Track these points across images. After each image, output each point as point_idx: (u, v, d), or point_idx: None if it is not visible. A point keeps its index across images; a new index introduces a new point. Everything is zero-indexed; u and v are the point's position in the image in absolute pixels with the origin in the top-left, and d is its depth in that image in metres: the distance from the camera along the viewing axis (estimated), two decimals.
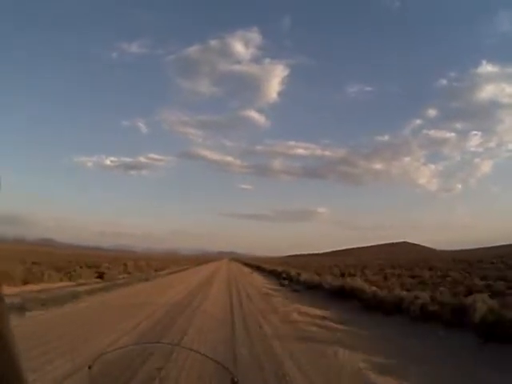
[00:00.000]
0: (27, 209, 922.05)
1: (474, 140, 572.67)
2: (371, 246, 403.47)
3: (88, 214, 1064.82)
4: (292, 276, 27.84)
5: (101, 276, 24.62)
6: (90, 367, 1.41)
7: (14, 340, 0.87)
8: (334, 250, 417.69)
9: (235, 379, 1.25)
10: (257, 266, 62.77)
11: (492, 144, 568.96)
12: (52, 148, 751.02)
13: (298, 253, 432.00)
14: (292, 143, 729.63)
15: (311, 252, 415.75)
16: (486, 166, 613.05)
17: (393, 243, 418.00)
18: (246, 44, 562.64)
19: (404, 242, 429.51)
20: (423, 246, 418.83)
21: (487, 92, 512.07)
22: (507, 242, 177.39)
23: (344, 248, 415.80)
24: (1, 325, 0.86)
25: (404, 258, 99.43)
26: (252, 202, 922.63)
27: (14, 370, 0.87)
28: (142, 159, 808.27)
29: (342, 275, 28.91)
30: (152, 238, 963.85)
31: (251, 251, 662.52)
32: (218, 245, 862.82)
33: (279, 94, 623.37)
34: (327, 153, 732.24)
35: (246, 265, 78.45)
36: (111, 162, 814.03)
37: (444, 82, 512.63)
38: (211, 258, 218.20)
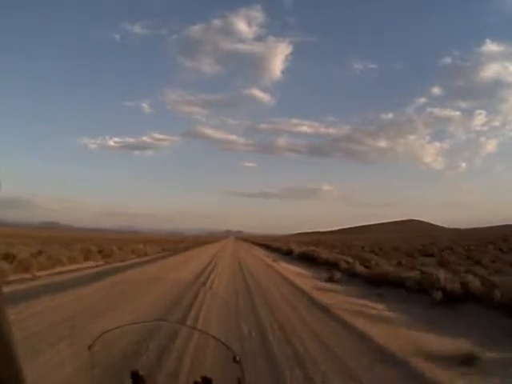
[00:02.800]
0: (31, 192, 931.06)
1: (479, 119, 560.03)
2: (379, 224, 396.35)
3: (92, 195, 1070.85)
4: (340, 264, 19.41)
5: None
6: (90, 347, 1.36)
7: (13, 338, 0.86)
8: (342, 227, 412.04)
9: (237, 358, 1.27)
10: (274, 246, 48.26)
11: (496, 123, 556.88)
12: (55, 130, 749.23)
13: (306, 231, 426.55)
14: (296, 121, 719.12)
15: (319, 230, 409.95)
16: (491, 145, 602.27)
17: (401, 221, 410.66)
18: (249, 22, 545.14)
19: (411, 220, 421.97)
20: (431, 224, 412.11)
21: (491, 71, 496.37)
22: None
23: (352, 226, 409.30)
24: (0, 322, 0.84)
25: (416, 237, 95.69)
26: (257, 180, 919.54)
27: (13, 369, 0.86)
28: (146, 139, 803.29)
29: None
30: (157, 219, 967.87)
31: (258, 230, 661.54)
32: (223, 224, 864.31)
33: (283, 71, 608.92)
34: (332, 130, 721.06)
35: (256, 244, 64.37)
36: (115, 142, 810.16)
37: (448, 60, 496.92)
38: (216, 237, 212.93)
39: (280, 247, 41.45)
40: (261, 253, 36.13)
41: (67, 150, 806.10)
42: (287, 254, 33.07)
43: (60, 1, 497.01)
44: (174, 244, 50.84)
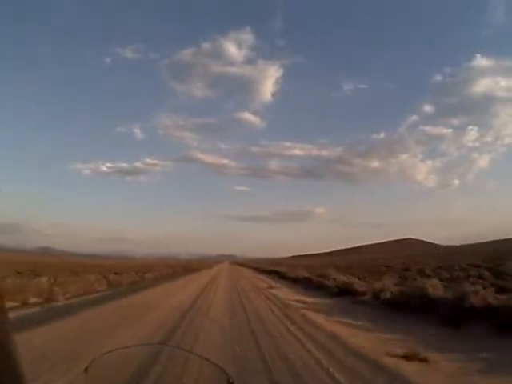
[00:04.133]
0: (25, 217, 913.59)
1: (471, 135, 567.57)
2: (375, 244, 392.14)
3: (86, 220, 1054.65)
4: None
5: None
6: (86, 370, 1.34)
7: (13, 338, 0.88)
8: (338, 249, 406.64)
9: (231, 380, 1.25)
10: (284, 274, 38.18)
11: (488, 138, 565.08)
12: (48, 156, 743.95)
13: (301, 253, 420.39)
14: (288, 144, 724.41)
15: (314, 252, 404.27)
16: (483, 161, 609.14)
17: (398, 240, 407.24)
18: (239, 45, 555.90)
19: (409, 239, 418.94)
20: (428, 242, 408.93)
21: (482, 86, 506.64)
22: (507, 236, 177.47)
23: (348, 247, 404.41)
24: (1, 330, 0.87)
25: (420, 255, 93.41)
26: (249, 203, 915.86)
27: (14, 369, 0.87)
28: (139, 164, 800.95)
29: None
30: (150, 243, 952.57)
31: (251, 254, 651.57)
32: (216, 248, 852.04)
33: (273, 94, 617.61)
34: (323, 152, 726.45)
35: (260, 272, 51.08)
36: (108, 168, 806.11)
37: (439, 77, 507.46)
38: (209, 262, 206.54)
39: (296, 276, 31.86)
40: (284, 291, 22.37)
41: (61, 175, 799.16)
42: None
43: (47, 25, 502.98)
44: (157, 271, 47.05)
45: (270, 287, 22.97)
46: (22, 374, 0.89)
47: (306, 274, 27.94)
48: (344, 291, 16.45)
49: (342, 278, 20.49)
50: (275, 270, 42.89)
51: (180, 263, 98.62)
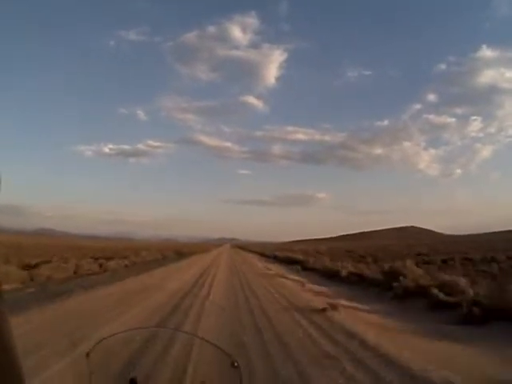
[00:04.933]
0: (26, 199, 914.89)
1: (474, 125, 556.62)
2: (378, 231, 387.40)
3: (87, 202, 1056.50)
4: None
5: None
6: (88, 354, 1.36)
7: (13, 340, 0.87)
8: (340, 234, 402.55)
9: (235, 363, 1.27)
10: (287, 258, 33.96)
11: (492, 129, 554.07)
12: (51, 138, 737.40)
13: (302, 238, 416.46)
14: (291, 128, 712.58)
15: (316, 237, 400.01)
16: (486, 151, 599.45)
17: (401, 227, 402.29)
18: (244, 29, 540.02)
19: (411, 227, 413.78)
20: (430, 231, 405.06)
21: (487, 77, 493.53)
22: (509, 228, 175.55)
23: (350, 233, 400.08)
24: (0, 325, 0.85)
25: (413, 244, 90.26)
26: (252, 187, 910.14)
27: (14, 371, 0.87)
28: (141, 146, 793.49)
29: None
30: (152, 226, 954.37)
31: (252, 237, 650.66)
32: (218, 231, 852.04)
33: (277, 79, 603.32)
34: (327, 137, 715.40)
35: (262, 255, 48.00)
36: (110, 149, 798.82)
37: (443, 66, 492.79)
38: (210, 245, 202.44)
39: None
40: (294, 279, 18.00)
41: (63, 156, 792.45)
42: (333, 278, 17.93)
43: (52, 8, 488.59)
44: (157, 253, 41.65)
45: (333, 307, 9.00)
46: (20, 368, 0.87)
47: (350, 268, 18.81)
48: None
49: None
50: (291, 258, 31.44)
51: (176, 246, 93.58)
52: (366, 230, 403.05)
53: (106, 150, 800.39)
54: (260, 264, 27.86)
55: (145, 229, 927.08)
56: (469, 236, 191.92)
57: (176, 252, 47.38)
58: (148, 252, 38.34)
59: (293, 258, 30.83)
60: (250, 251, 69.64)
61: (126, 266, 21.77)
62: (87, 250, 40.55)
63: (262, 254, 50.20)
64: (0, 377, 0.83)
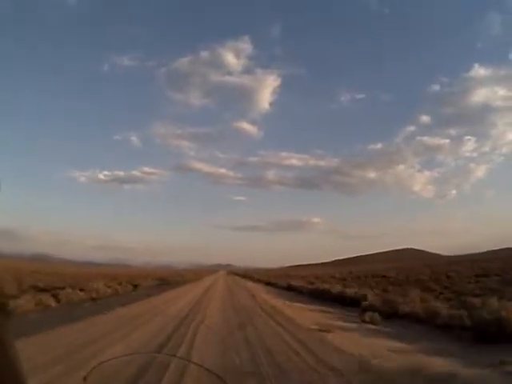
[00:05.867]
0: (22, 224, 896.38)
1: (468, 145, 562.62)
2: (376, 254, 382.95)
3: (82, 228, 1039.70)
4: None
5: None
6: (84, 378, 1.34)
7: (13, 342, 0.89)
8: (336, 259, 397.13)
9: None
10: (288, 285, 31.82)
11: (486, 148, 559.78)
12: (45, 163, 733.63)
13: (298, 263, 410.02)
14: (285, 154, 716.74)
15: (311, 262, 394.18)
16: (481, 171, 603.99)
17: (398, 250, 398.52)
18: (237, 54, 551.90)
19: (409, 249, 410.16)
20: (427, 252, 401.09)
21: (480, 96, 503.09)
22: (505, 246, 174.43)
23: (347, 257, 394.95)
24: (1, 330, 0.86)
25: (414, 267, 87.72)
26: (247, 213, 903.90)
27: (14, 371, 0.87)
28: (136, 173, 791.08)
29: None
30: (147, 252, 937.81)
31: (247, 263, 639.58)
32: (213, 258, 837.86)
33: (271, 104, 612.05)
34: (321, 163, 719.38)
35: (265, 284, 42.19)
36: (105, 176, 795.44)
37: (436, 87, 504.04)
38: (205, 271, 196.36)
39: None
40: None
41: (58, 182, 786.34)
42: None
43: (44, 32, 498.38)
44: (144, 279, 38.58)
45: None
46: (22, 373, 0.87)
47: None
48: None
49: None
50: (323, 291, 22.31)
51: (164, 273, 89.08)
52: (363, 254, 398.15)
53: (101, 176, 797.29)
54: (285, 307, 22.40)
55: (140, 255, 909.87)
56: (466, 256, 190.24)
57: (160, 279, 43.75)
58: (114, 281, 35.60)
59: (332, 292, 20.84)
60: (250, 278, 64.37)
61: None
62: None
63: (267, 283, 42.09)
64: (0, 377, 0.82)
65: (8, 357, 0.85)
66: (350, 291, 20.57)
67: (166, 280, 44.59)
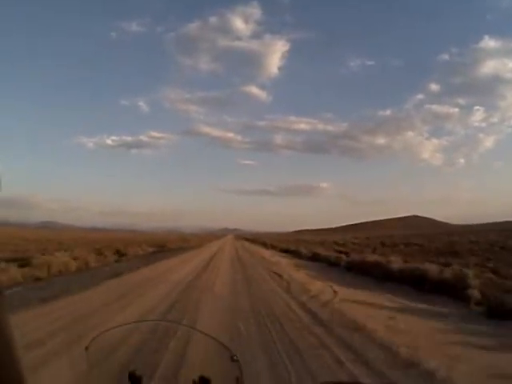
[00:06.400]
0: (29, 192, 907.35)
1: (477, 115, 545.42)
2: (384, 220, 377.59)
3: (91, 194, 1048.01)
4: None
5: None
6: (86, 348, 1.31)
7: (13, 338, 0.85)
8: (344, 224, 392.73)
9: (235, 357, 1.25)
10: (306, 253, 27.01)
11: (495, 119, 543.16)
12: (52, 130, 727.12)
13: (305, 228, 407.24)
14: (294, 118, 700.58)
15: (319, 227, 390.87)
16: (489, 142, 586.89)
17: (406, 216, 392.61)
18: (246, 20, 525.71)
19: (414, 216, 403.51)
20: (435, 220, 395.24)
21: (489, 67, 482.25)
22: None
23: (353, 223, 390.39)
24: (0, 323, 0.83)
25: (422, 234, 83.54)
26: (254, 177, 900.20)
27: (14, 369, 0.85)
28: (144, 138, 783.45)
29: None
30: (156, 217, 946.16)
31: (255, 227, 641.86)
32: (221, 222, 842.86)
33: (280, 69, 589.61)
34: (329, 127, 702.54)
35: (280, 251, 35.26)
36: (112, 141, 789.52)
37: (446, 56, 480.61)
38: (213, 235, 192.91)
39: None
40: None
41: (65, 149, 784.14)
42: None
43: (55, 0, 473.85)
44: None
45: None
46: (21, 368, 0.84)
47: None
48: None
49: None
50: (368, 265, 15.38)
51: (171, 238, 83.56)
52: (371, 220, 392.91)
53: (109, 141, 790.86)
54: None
55: (148, 220, 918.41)
56: (471, 226, 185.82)
57: (159, 245, 37.34)
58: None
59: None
60: (261, 244, 54.57)
61: None
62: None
63: (284, 251, 33.69)
64: (0, 377, 0.80)
65: (6, 349, 0.80)
66: (423, 267, 13.37)
67: (165, 246, 38.46)
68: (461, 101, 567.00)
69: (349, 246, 40.14)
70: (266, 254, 30.74)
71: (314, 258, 23.97)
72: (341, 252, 27.09)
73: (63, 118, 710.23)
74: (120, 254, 25.39)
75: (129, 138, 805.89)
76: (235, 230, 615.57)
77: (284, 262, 21.10)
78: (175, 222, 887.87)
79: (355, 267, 16.51)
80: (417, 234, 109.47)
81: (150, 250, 30.99)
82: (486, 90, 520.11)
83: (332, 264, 18.97)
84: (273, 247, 42.31)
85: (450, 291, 10.23)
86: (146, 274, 14.64)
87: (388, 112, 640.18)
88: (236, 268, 17.38)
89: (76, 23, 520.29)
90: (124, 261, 22.12)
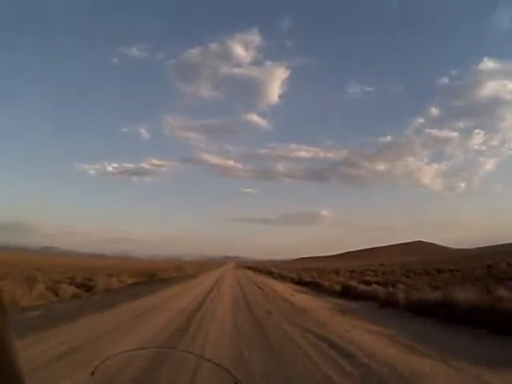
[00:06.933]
0: (29, 217, 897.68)
1: (477, 138, 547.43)
2: (386, 246, 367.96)
3: (91, 220, 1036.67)
4: None
5: None
6: (92, 373, 1.31)
7: (13, 342, 0.85)
8: (346, 251, 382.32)
9: (238, 383, 1.16)
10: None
11: (495, 142, 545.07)
12: (54, 156, 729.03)
13: (307, 256, 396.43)
14: (294, 146, 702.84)
15: (321, 255, 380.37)
16: (489, 165, 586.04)
17: (408, 243, 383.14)
18: (247, 46, 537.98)
19: (419, 242, 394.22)
20: (438, 245, 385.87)
21: (489, 89, 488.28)
22: None
23: (355, 249, 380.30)
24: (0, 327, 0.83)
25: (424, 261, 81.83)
26: (255, 205, 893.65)
27: (14, 371, 0.85)
28: (145, 165, 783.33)
29: None
30: (156, 244, 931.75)
31: (256, 256, 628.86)
32: (221, 250, 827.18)
33: (280, 96, 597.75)
34: (330, 155, 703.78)
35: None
36: (113, 168, 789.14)
37: (446, 80, 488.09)
38: (213, 263, 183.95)
39: None
40: None
41: (66, 175, 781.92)
42: None
43: (57, 24, 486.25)
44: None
45: None
46: (20, 368, 0.85)
47: None
48: None
49: None
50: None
51: (162, 266, 76.29)
52: (373, 246, 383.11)
53: (110, 168, 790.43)
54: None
55: (146, 247, 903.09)
56: (474, 250, 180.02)
57: (146, 274, 30.99)
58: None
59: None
60: (267, 274, 47.53)
61: None
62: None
63: (299, 283, 26.77)
64: (0, 377, 0.80)
65: (5, 350, 0.81)
66: None
67: (154, 276, 31.84)
68: (461, 124, 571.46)
69: (369, 275, 33.79)
70: (279, 288, 23.83)
71: (347, 293, 17.57)
72: (369, 283, 20.86)
73: (64, 144, 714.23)
74: (86, 287, 19.10)
75: (130, 165, 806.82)
76: (236, 257, 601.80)
77: (315, 306, 14.12)
78: (175, 249, 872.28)
79: (432, 311, 10.22)
80: (426, 259, 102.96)
81: (130, 281, 24.48)
82: (485, 112, 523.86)
83: (384, 304, 12.74)
84: (282, 278, 35.42)
85: None
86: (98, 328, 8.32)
87: (388, 138, 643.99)
88: (243, 322, 9.76)
89: (77, 48, 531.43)
90: (84, 298, 15.79)
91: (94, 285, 19.79)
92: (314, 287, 22.74)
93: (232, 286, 24.52)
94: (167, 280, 30.27)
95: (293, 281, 29.91)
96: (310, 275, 31.09)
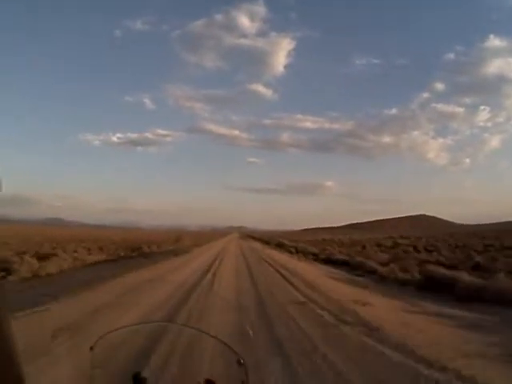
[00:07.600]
0: (34, 189, 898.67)
1: (483, 115, 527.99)
2: (390, 219, 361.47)
3: (96, 192, 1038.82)
4: None
5: None
6: (91, 348, 1.28)
7: (13, 338, 0.84)
8: (349, 223, 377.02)
9: (241, 360, 1.21)
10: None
11: (500, 119, 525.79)
12: (58, 127, 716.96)
13: (311, 227, 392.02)
14: (300, 116, 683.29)
15: (325, 226, 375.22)
16: (495, 141, 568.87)
17: (412, 216, 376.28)
18: (252, 17, 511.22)
19: (422, 215, 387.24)
20: (442, 220, 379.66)
21: (495, 66, 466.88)
22: None
23: (360, 221, 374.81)
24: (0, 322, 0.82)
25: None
26: (260, 175, 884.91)
27: (14, 371, 0.84)
28: (149, 135, 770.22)
29: None
30: (161, 214, 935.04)
31: (261, 226, 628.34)
32: (226, 220, 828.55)
33: (286, 67, 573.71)
34: (335, 126, 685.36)
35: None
36: (118, 138, 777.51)
37: (451, 55, 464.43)
38: (217, 233, 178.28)
39: None
40: None
41: (71, 146, 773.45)
42: None
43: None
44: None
45: None
46: (20, 368, 0.83)
47: None
48: None
49: None
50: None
51: (164, 236, 69.51)
52: (378, 219, 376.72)
53: (114, 139, 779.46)
54: None
55: (153, 218, 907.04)
56: (478, 226, 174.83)
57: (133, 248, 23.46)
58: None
59: None
60: (276, 246, 41.68)
61: None
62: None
63: (326, 261, 20.45)
64: (0, 377, 0.79)
65: (5, 349, 0.79)
66: None
67: (137, 250, 24.41)
68: (466, 100, 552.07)
69: (408, 251, 26.10)
70: (308, 270, 15.77)
71: (436, 286, 9.70)
72: (431, 263, 13.02)
73: (68, 115, 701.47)
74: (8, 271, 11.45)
75: (134, 136, 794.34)
76: (240, 227, 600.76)
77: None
78: (180, 219, 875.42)
79: None
80: (432, 234, 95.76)
81: (95, 258, 16.79)
82: (491, 90, 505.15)
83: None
84: (298, 252, 27.26)
85: None
86: None
87: (394, 111, 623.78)
88: None
89: (81, 21, 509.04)
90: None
91: (16, 269, 12.05)
92: (359, 271, 14.82)
93: (236, 265, 16.57)
94: (149, 256, 22.19)
95: (317, 258, 21.94)
96: (339, 251, 23.23)
